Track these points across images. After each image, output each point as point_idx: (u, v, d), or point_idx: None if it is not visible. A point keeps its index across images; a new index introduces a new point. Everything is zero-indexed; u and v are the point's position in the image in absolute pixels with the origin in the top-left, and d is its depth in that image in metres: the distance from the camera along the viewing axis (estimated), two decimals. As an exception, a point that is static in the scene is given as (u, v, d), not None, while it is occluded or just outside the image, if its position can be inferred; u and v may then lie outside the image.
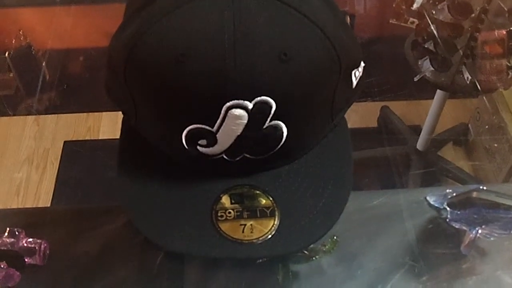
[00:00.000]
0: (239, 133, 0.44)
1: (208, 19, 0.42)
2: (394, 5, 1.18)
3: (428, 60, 1.17)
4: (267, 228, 0.45)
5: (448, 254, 0.63)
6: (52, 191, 1.45)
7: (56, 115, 1.57)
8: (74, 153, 1.55)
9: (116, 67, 0.47)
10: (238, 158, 0.46)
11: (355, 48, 0.50)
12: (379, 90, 1.21)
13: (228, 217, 0.46)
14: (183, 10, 0.43)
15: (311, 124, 0.48)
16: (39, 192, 1.45)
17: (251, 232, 0.45)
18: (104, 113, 1.59)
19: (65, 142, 1.56)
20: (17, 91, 1.24)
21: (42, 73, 1.19)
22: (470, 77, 1.12)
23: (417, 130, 1.46)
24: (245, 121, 0.43)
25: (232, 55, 0.41)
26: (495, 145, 1.41)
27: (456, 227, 0.63)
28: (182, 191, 0.48)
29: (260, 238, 0.45)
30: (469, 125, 1.53)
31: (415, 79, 1.18)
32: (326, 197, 0.48)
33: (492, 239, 0.61)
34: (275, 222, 0.46)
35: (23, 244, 0.61)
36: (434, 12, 1.13)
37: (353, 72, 0.49)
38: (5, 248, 0.60)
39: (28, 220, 0.66)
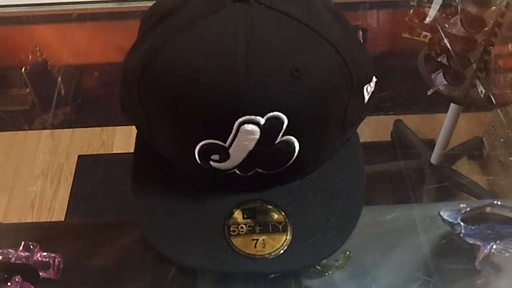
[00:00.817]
0: (251, 148, 0.44)
1: (221, 35, 0.43)
2: (406, 19, 1.18)
3: (441, 74, 1.17)
4: (280, 243, 0.45)
5: (463, 270, 0.62)
6: (66, 205, 1.46)
7: (70, 129, 1.58)
8: (88, 167, 1.55)
9: (130, 83, 0.48)
10: (250, 173, 0.46)
11: (367, 63, 0.50)
12: (393, 104, 1.21)
13: (240, 232, 0.46)
14: (196, 27, 0.44)
15: (323, 139, 0.48)
16: (53, 205, 1.46)
17: (264, 247, 0.45)
18: (118, 127, 1.60)
19: (79, 156, 1.57)
20: (32, 106, 1.26)
21: (57, 88, 1.21)
22: (484, 91, 1.12)
23: (431, 144, 1.45)
24: (257, 137, 0.43)
25: (244, 71, 0.42)
26: (510, 159, 1.40)
27: (470, 242, 0.62)
28: (195, 206, 0.48)
29: (273, 253, 0.45)
30: (484, 139, 1.52)
31: (429, 93, 1.17)
32: (338, 212, 0.47)
33: (507, 254, 0.60)
34: (288, 237, 0.46)
35: (37, 258, 0.61)
36: (447, 25, 1.13)
37: (365, 87, 0.49)
38: (20, 262, 0.61)
39: (43, 234, 0.67)
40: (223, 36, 0.43)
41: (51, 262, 0.61)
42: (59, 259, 0.62)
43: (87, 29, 1.18)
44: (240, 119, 0.42)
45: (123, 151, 1.54)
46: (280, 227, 0.46)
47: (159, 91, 0.45)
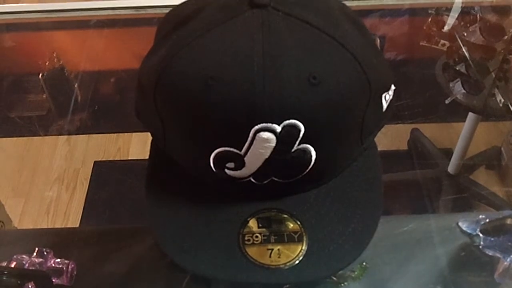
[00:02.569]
0: (267, 157, 0.43)
1: (237, 42, 0.43)
2: (424, 27, 1.18)
3: (459, 82, 1.16)
4: (295, 253, 0.45)
5: (482, 282, 0.61)
6: (82, 210, 1.46)
7: (87, 135, 1.59)
8: (104, 173, 1.56)
9: (146, 90, 0.48)
10: (266, 182, 0.46)
11: (386, 71, 0.49)
12: (410, 113, 1.20)
13: (255, 242, 0.45)
14: (212, 34, 0.43)
15: (340, 147, 0.47)
16: (68, 211, 1.47)
17: (279, 257, 0.44)
18: (133, 133, 1.61)
19: (95, 162, 1.58)
20: (49, 112, 1.27)
21: (74, 94, 1.22)
22: (503, 100, 1.10)
23: (448, 153, 1.43)
24: (273, 145, 0.43)
25: (261, 78, 0.41)
26: (529, 169, 1.38)
27: (490, 254, 0.61)
28: (209, 214, 0.48)
29: (288, 263, 0.44)
30: (502, 148, 1.50)
31: (447, 101, 1.16)
32: (355, 222, 0.47)
33: (528, 267, 0.59)
34: (303, 247, 0.45)
35: (51, 264, 0.61)
36: (465, 34, 1.12)
37: (383, 96, 0.48)
38: (33, 268, 0.61)
39: (56, 240, 0.67)
40: (240, 42, 0.43)
41: (64, 268, 0.61)
42: (73, 265, 0.62)
43: (104, 36, 1.19)
44: (256, 127, 0.42)
45: (139, 158, 1.54)
46: (296, 237, 0.45)
47: (174, 98, 0.45)
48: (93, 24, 1.06)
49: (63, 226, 1.43)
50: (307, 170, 0.45)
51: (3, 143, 1.61)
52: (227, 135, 0.43)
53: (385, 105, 0.49)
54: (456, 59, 1.15)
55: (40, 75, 1.20)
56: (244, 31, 0.43)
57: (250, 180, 0.45)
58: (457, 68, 1.15)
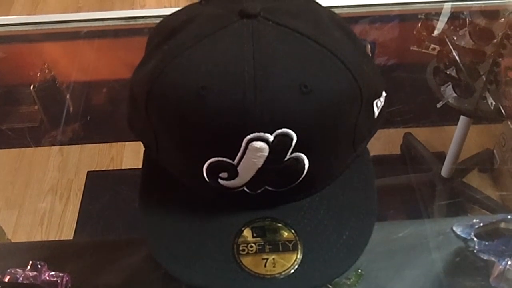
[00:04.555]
0: (260, 166, 0.43)
1: (228, 52, 0.43)
2: (415, 32, 1.18)
3: (450, 86, 1.16)
4: (290, 262, 0.45)
5: (477, 287, 0.61)
6: (76, 221, 1.46)
7: (79, 145, 1.59)
8: (97, 183, 1.56)
9: (137, 101, 0.47)
10: (259, 191, 0.46)
11: (377, 78, 0.50)
12: (402, 117, 1.20)
13: (250, 251, 0.45)
14: (203, 44, 0.43)
15: (333, 155, 0.47)
16: (62, 222, 1.46)
17: (274, 267, 0.44)
18: (126, 143, 1.60)
19: (88, 172, 1.57)
20: (41, 123, 1.26)
21: (66, 105, 1.21)
22: (494, 103, 1.11)
23: (441, 157, 1.44)
24: (266, 154, 0.42)
25: (252, 88, 0.41)
26: (522, 171, 1.38)
27: (485, 258, 0.61)
28: (203, 224, 0.48)
29: (283, 273, 0.44)
30: (494, 151, 1.50)
31: (438, 105, 1.17)
32: (349, 229, 0.47)
33: (522, 271, 0.59)
34: (298, 256, 0.45)
35: (45, 277, 0.61)
36: (455, 38, 1.13)
37: (375, 102, 0.49)
38: (27, 282, 0.60)
39: (50, 253, 0.66)
40: (230, 52, 0.43)
41: (58, 281, 0.60)
42: (67, 278, 0.61)
43: (95, 47, 1.19)
44: (248, 136, 0.42)
45: (132, 167, 1.54)
46: (290, 245, 0.45)
47: (166, 109, 0.45)
48: (83, 35, 1.06)
49: (57, 237, 1.42)
50: (301, 179, 0.45)
51: (-5, 154, 1.60)
52: (219, 145, 0.43)
53: (376, 111, 0.49)
54: (447, 63, 1.16)
55: (32, 86, 1.20)
56: (234, 41, 0.43)
57: (243, 189, 0.45)
58: (448, 72, 1.16)
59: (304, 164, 0.44)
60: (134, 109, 0.50)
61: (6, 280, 0.60)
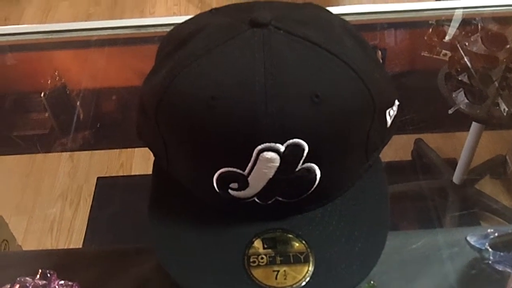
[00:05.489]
0: (271, 176, 0.43)
1: (239, 62, 0.42)
2: (425, 38, 1.17)
3: (462, 92, 1.15)
4: (301, 274, 0.44)
5: (492, 298, 0.60)
6: (85, 226, 1.46)
7: (89, 152, 1.60)
8: (107, 189, 1.56)
9: (147, 111, 0.47)
10: (270, 202, 0.45)
11: (389, 87, 0.49)
12: (413, 123, 1.19)
13: (260, 263, 0.44)
14: (213, 54, 0.43)
15: (345, 165, 0.47)
16: (72, 228, 1.47)
17: (285, 279, 0.44)
18: (136, 149, 1.61)
19: (98, 178, 1.58)
20: (52, 130, 1.27)
21: (76, 112, 1.22)
22: (506, 109, 1.10)
23: (453, 163, 1.43)
24: (277, 164, 0.42)
25: (263, 98, 0.41)
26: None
27: (500, 269, 0.60)
28: (213, 235, 0.47)
29: (294, 285, 0.43)
30: (507, 157, 1.49)
31: (450, 111, 1.16)
32: (362, 241, 0.46)
33: (538, 282, 0.58)
34: (310, 268, 0.44)
35: (54, 286, 0.61)
36: (467, 44, 1.12)
37: (387, 111, 0.48)
38: (37, 291, 0.60)
39: (60, 261, 0.66)
40: (241, 62, 0.42)
41: (68, 291, 0.60)
42: (77, 287, 0.61)
43: (105, 54, 1.19)
44: (259, 147, 0.41)
45: (142, 173, 1.54)
46: (302, 257, 0.45)
47: (176, 119, 0.44)
48: (94, 43, 1.07)
49: (67, 243, 1.43)
50: (312, 189, 0.45)
51: (6, 161, 1.61)
52: (230, 156, 0.43)
53: (389, 121, 0.49)
54: (459, 69, 1.15)
55: (42, 94, 1.20)
56: (245, 51, 0.42)
57: (254, 200, 0.45)
58: (460, 78, 1.15)
59: (315, 175, 0.44)
60: (143, 118, 0.49)
61: (16, 289, 0.60)
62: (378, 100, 0.45)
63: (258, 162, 0.42)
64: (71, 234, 1.45)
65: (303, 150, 0.42)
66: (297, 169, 0.43)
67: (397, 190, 1.38)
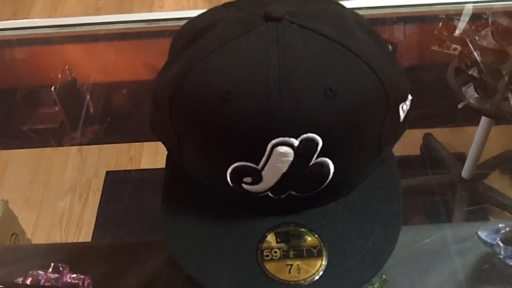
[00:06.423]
0: (284, 171, 0.43)
1: (252, 56, 0.42)
2: (435, 32, 1.17)
3: (472, 86, 1.15)
4: (314, 268, 0.44)
5: (503, 293, 0.60)
6: (94, 220, 1.47)
7: (98, 146, 1.60)
8: (116, 183, 1.57)
9: (161, 105, 0.47)
10: (283, 196, 0.45)
11: (402, 81, 0.49)
12: (422, 117, 1.19)
13: (274, 257, 0.45)
14: (227, 48, 0.43)
15: (359, 159, 0.47)
16: (81, 221, 1.47)
17: (298, 273, 0.44)
18: (145, 143, 1.61)
19: (107, 172, 1.58)
20: (62, 124, 1.28)
21: (86, 107, 1.22)
22: (516, 104, 1.09)
23: (461, 158, 1.42)
24: (291, 159, 0.42)
25: (277, 92, 0.41)
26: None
27: (511, 264, 0.60)
28: (226, 229, 0.47)
29: (307, 279, 0.43)
30: (516, 152, 1.48)
31: (459, 106, 1.15)
32: (375, 235, 0.46)
33: (550, 277, 0.58)
34: (323, 262, 0.44)
35: (67, 279, 0.61)
36: (477, 38, 1.11)
37: (400, 106, 0.48)
38: (49, 284, 0.60)
39: (72, 255, 0.66)
40: (255, 56, 0.42)
41: (80, 284, 0.61)
42: (88, 281, 0.61)
43: (114, 48, 1.20)
44: (273, 141, 0.41)
45: (151, 167, 1.55)
46: (315, 251, 0.45)
47: (190, 113, 0.45)
48: (103, 37, 1.07)
49: (76, 237, 1.43)
50: (326, 184, 0.45)
51: (16, 155, 1.62)
52: (244, 150, 0.43)
53: (402, 115, 0.49)
54: (468, 63, 1.14)
55: (53, 88, 1.21)
56: (259, 45, 0.42)
57: (267, 194, 0.45)
58: (469, 73, 1.14)
59: (329, 169, 0.44)
60: (157, 113, 0.49)
61: (28, 282, 0.60)
62: (392, 95, 0.45)
63: (272, 156, 0.42)
64: (80, 228, 1.46)
65: (317, 144, 0.42)
66: (311, 164, 0.43)
67: (406, 184, 1.37)
